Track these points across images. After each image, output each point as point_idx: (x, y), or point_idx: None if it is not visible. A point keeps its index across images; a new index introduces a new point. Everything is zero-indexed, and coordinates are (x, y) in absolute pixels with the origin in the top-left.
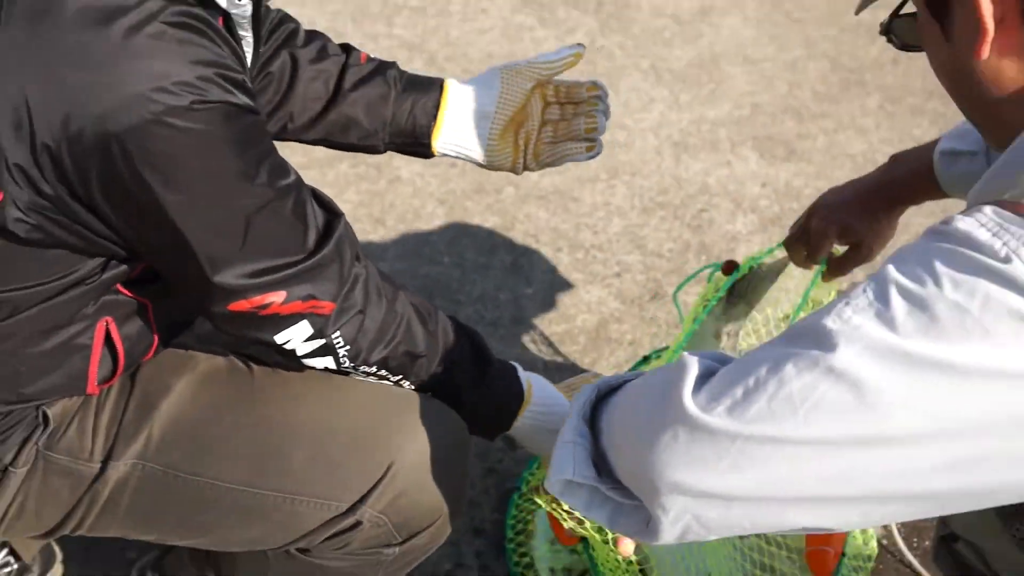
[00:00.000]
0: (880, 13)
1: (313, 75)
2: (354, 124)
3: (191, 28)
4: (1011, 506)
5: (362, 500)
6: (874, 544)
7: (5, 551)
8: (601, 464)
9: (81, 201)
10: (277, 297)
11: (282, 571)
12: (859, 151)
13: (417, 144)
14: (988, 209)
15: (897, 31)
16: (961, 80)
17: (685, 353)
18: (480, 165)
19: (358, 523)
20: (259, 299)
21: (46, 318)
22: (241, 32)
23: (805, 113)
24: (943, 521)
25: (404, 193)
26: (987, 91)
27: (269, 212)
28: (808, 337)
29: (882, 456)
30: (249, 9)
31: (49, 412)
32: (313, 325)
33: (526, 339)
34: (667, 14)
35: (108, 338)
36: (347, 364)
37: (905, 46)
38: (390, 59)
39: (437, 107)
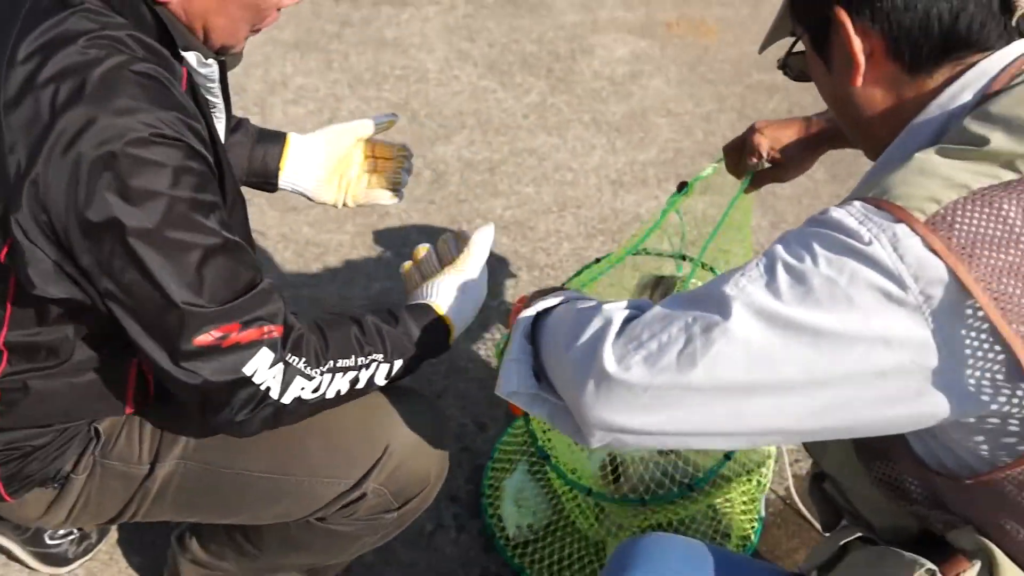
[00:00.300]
0: (780, 76)
1: None
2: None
3: (154, 79)
4: (872, 450)
5: (366, 476)
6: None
7: None
8: (542, 373)
9: (59, 241)
10: (233, 328)
11: (301, 536)
12: None
13: (266, 183)
14: (857, 203)
15: (791, 65)
16: (841, 103)
17: (611, 305)
18: (309, 199)
19: (364, 495)
20: (218, 331)
21: (85, 362)
22: (212, 99)
23: (718, 155)
24: (816, 463)
25: (392, 225)
26: (862, 112)
27: (220, 253)
28: (710, 301)
29: (764, 401)
30: (216, 72)
31: (100, 427)
32: (271, 349)
33: (494, 339)
34: (604, 77)
35: (140, 374)
36: (315, 375)
37: (797, 77)
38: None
39: (281, 155)
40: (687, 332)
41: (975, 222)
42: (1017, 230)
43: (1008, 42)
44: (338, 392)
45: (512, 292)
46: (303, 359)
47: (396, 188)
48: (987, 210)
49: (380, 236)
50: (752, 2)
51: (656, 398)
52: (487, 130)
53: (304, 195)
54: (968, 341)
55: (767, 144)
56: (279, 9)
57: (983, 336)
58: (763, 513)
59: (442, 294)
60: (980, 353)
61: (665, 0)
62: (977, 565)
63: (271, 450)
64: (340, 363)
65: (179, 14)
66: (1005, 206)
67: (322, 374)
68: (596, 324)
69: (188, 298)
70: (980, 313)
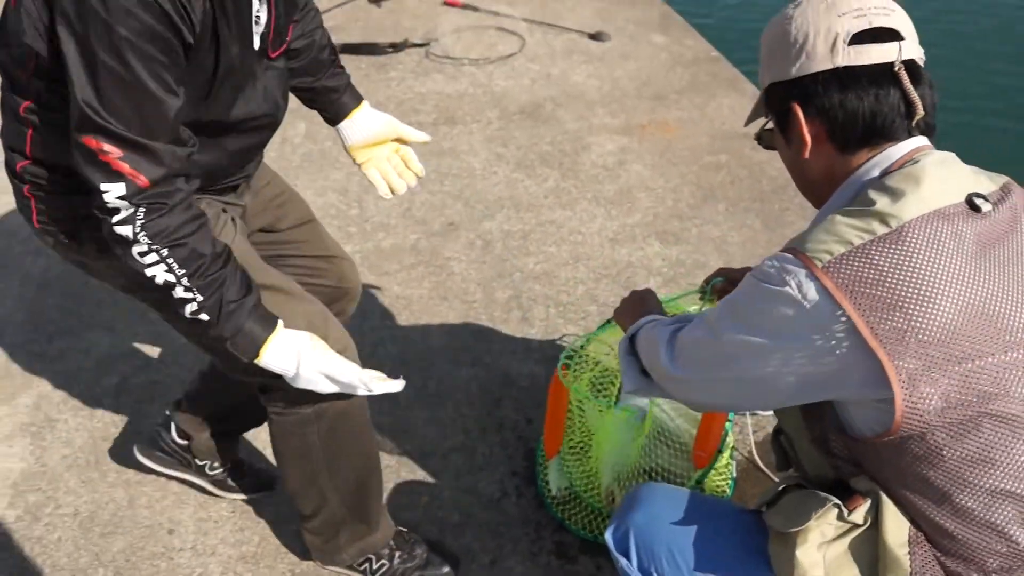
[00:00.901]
0: (723, 157)
1: (317, 66)
2: (317, 96)
3: None
4: (812, 414)
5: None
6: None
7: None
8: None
9: (50, 10)
10: (113, 151)
11: (274, 441)
12: (716, 236)
13: (330, 120)
14: (782, 256)
15: (763, 137)
16: (795, 169)
17: (659, 329)
18: (344, 148)
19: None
20: (101, 142)
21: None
22: (256, 3)
23: (684, 216)
24: (778, 421)
25: (456, 280)
26: (808, 175)
27: (134, 91)
28: (707, 327)
29: (746, 383)
30: None
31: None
32: (127, 188)
33: (534, 358)
34: (599, 166)
35: None
36: (143, 240)
37: (767, 147)
38: (443, 205)
39: (350, 112)
40: (699, 347)
41: (854, 268)
42: (884, 273)
43: (911, 136)
44: (152, 277)
45: (544, 323)
46: (144, 221)
47: (393, 190)
48: (863, 260)
49: (448, 289)
50: (700, 107)
51: (700, 384)
52: (519, 209)
53: (344, 143)
54: (847, 351)
55: (736, 275)
56: None
57: (856, 347)
58: (735, 475)
59: (302, 343)
60: (854, 359)
61: (638, 109)
62: (868, 502)
63: None
64: (171, 263)
65: None
66: (876, 256)
67: (149, 248)
68: (656, 343)
69: (89, 100)
70: (854, 330)
